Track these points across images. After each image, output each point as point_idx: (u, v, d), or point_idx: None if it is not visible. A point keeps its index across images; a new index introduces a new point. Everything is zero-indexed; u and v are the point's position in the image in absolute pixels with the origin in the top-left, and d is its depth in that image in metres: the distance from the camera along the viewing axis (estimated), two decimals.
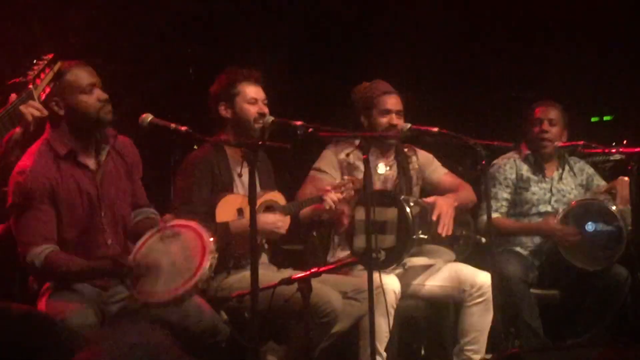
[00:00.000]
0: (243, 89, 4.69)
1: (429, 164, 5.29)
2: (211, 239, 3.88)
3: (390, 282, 4.71)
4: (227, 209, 4.52)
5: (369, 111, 5.10)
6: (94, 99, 3.97)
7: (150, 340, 3.71)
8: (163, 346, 3.76)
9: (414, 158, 5.25)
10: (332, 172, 5.05)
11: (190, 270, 3.82)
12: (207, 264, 3.82)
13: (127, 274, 3.88)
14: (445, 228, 4.87)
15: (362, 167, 4.89)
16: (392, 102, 5.09)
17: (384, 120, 5.06)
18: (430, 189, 5.23)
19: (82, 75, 3.97)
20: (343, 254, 5.01)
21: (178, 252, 3.89)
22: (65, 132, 4.00)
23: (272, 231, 4.56)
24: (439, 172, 5.29)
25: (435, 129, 4.58)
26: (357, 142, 5.08)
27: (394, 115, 5.06)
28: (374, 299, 4.06)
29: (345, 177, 4.89)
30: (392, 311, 4.65)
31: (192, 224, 3.97)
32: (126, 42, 5.83)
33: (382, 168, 5.13)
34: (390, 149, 5.19)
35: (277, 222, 4.57)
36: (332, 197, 4.72)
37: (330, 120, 4.49)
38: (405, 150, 5.24)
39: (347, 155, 5.05)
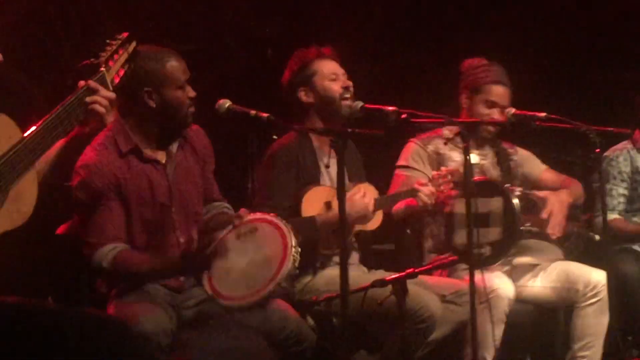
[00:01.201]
0: (319, 67, 4.62)
1: (527, 160, 5.21)
2: (291, 232, 3.83)
3: (504, 286, 4.62)
4: (314, 203, 4.45)
5: (473, 95, 5.01)
6: (186, 96, 3.99)
7: (241, 345, 3.71)
8: (255, 352, 3.78)
9: (512, 150, 5.17)
10: (421, 167, 4.96)
11: (271, 268, 3.78)
12: (289, 260, 3.78)
13: (201, 266, 3.85)
14: (557, 229, 4.76)
15: (454, 157, 4.91)
16: (501, 94, 4.98)
17: (485, 112, 4.96)
18: (531, 187, 5.11)
19: (181, 68, 3.98)
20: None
21: (257, 249, 3.86)
22: (131, 126, 3.98)
23: (359, 215, 4.45)
24: (539, 168, 5.20)
25: (543, 114, 4.49)
26: (445, 131, 4.97)
27: (497, 110, 4.96)
28: (475, 300, 4.02)
29: (442, 168, 4.77)
30: (504, 318, 4.57)
31: (269, 216, 3.94)
32: (198, 22, 5.82)
33: (474, 158, 4.99)
34: (485, 140, 5.08)
35: (367, 205, 4.46)
36: (426, 192, 4.60)
37: (424, 107, 4.41)
38: (503, 145, 5.15)
39: (445, 143, 4.94)
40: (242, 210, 3.98)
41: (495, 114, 4.94)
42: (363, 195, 4.46)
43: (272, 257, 3.81)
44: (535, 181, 5.14)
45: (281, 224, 3.88)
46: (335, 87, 4.58)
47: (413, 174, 4.91)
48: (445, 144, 4.92)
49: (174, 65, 3.96)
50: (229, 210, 4.24)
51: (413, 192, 4.62)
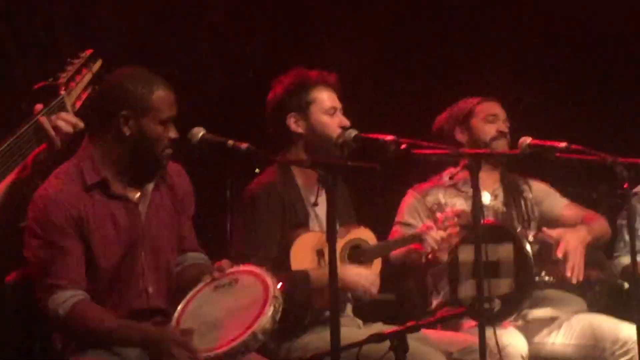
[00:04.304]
0: (319, 95, 4.59)
1: (545, 196, 5.20)
2: (277, 283, 3.79)
3: (517, 343, 4.61)
4: (304, 252, 4.42)
5: (466, 122, 5.07)
6: (167, 135, 3.95)
7: None
8: None
9: (525, 187, 5.17)
10: (418, 223, 4.98)
11: (248, 318, 3.72)
12: (269, 310, 3.72)
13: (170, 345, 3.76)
14: (575, 270, 4.74)
15: (458, 205, 4.96)
16: (495, 106, 5.11)
17: (491, 127, 5.03)
18: (549, 226, 5.07)
19: (169, 102, 3.95)
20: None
21: (234, 301, 3.82)
22: (101, 156, 3.94)
23: (364, 289, 4.46)
24: (558, 204, 5.19)
25: (563, 144, 4.49)
26: (446, 178, 5.05)
27: (500, 122, 5.04)
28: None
29: (448, 209, 4.79)
30: None
31: (253, 268, 3.91)
32: (172, 41, 5.82)
33: (486, 197, 5.04)
34: (494, 173, 5.12)
35: (369, 277, 4.47)
36: (434, 236, 4.61)
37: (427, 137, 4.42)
38: (516, 180, 5.17)
39: (452, 183, 4.98)
40: (224, 262, 3.96)
41: (502, 126, 5.03)
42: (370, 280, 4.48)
43: (250, 306, 3.76)
44: (555, 219, 5.13)
45: (265, 274, 3.84)
46: (333, 125, 4.54)
47: (409, 231, 4.92)
48: (453, 183, 4.96)
49: (162, 95, 3.92)
50: (205, 261, 4.18)
51: (416, 238, 4.65)
